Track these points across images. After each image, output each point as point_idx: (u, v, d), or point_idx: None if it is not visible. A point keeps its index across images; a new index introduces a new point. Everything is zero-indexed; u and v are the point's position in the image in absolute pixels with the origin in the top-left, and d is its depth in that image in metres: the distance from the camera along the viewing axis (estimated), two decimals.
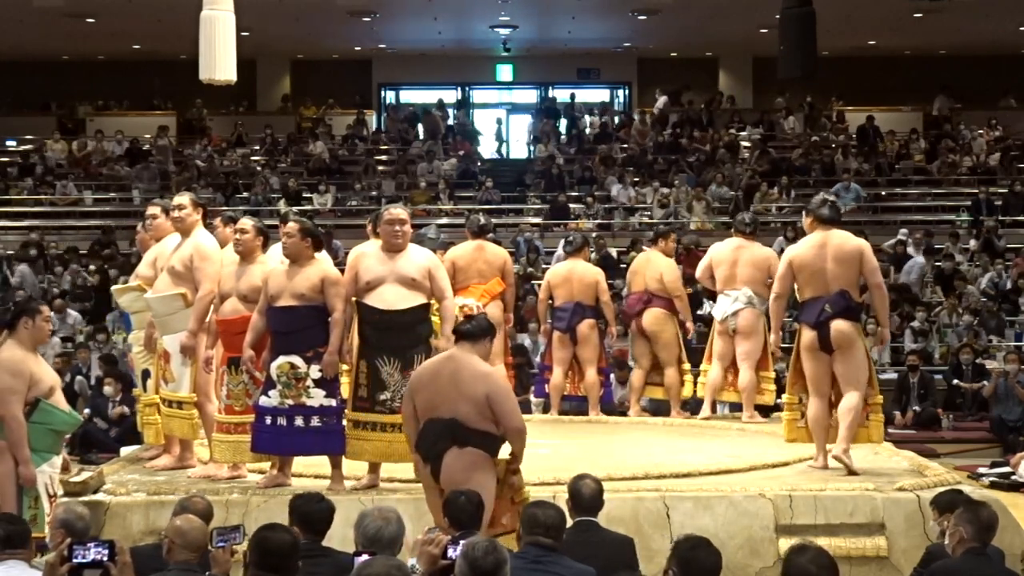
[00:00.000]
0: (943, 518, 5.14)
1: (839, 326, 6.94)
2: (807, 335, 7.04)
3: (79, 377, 12.66)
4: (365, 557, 4.02)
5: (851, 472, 6.82)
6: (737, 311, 8.83)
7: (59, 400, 6.00)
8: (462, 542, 3.97)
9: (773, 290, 7.37)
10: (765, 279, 8.73)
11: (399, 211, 6.63)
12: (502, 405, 5.45)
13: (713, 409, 9.33)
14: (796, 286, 7.17)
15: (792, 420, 7.30)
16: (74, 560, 3.79)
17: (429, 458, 5.53)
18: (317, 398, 6.42)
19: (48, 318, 6.17)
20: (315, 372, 6.41)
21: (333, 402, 6.46)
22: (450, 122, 24.00)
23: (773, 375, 9.14)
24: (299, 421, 6.43)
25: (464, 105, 25.26)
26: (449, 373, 5.52)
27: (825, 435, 7.07)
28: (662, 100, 23.52)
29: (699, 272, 9.08)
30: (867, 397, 7.08)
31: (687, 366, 9.29)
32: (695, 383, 9.33)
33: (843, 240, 7.12)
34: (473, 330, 5.62)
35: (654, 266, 9.32)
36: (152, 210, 7.61)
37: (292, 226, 6.56)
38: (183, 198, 7.20)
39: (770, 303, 7.53)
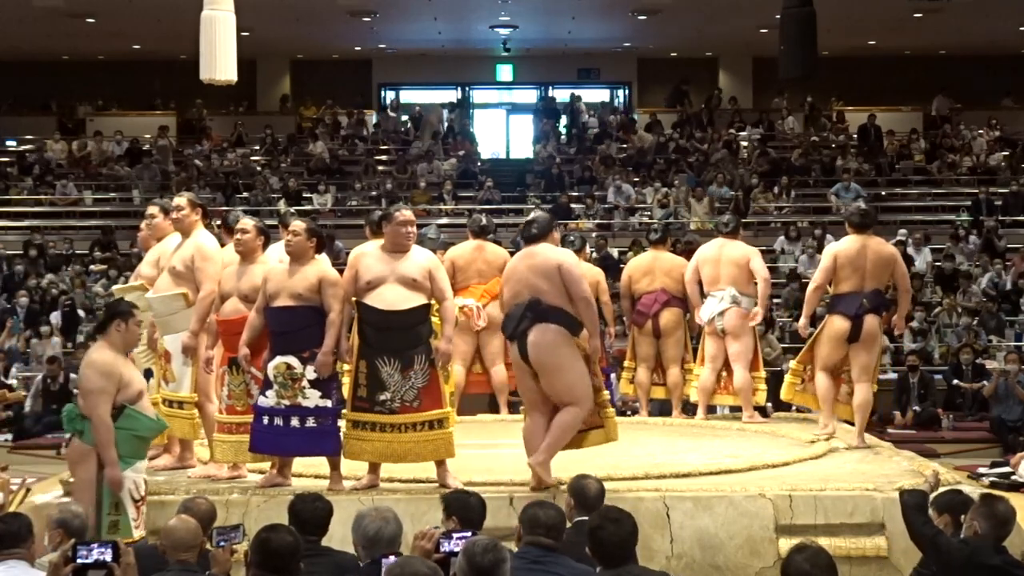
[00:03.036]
0: (942, 518, 5.15)
1: (871, 321, 7.83)
2: (841, 324, 7.86)
3: (73, 375, 12.65)
4: (393, 559, 4.00)
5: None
6: (723, 311, 8.84)
7: (145, 406, 5.93)
8: (455, 536, 3.99)
9: (814, 280, 8.18)
10: (747, 277, 8.80)
11: (409, 212, 6.63)
12: (571, 274, 6.24)
13: (711, 410, 9.33)
14: (833, 280, 8.01)
15: (792, 384, 8.26)
16: (78, 560, 3.79)
17: (515, 337, 6.28)
18: (312, 399, 6.42)
19: (140, 322, 6.09)
20: (311, 373, 6.40)
21: (329, 403, 6.45)
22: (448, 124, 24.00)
23: (764, 375, 9.14)
24: (295, 421, 6.43)
25: (464, 105, 25.23)
26: (527, 262, 6.35)
27: (832, 405, 8.06)
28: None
29: (688, 275, 9.07)
30: None
31: (691, 365, 9.27)
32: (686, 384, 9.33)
33: (881, 246, 8.04)
34: (538, 233, 6.42)
35: (668, 265, 9.29)
36: (151, 210, 7.63)
37: (299, 226, 6.56)
38: (181, 199, 7.21)
39: (808, 291, 8.24)
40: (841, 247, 7.99)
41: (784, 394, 8.37)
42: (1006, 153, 21.44)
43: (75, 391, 12.52)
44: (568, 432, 6.29)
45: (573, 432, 6.32)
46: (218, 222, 7.63)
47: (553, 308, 6.22)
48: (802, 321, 8.28)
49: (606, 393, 6.66)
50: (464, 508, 4.77)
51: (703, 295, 9.01)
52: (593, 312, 6.38)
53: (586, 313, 6.31)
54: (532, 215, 6.71)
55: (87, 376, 5.81)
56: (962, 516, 5.00)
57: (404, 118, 24.10)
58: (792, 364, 8.40)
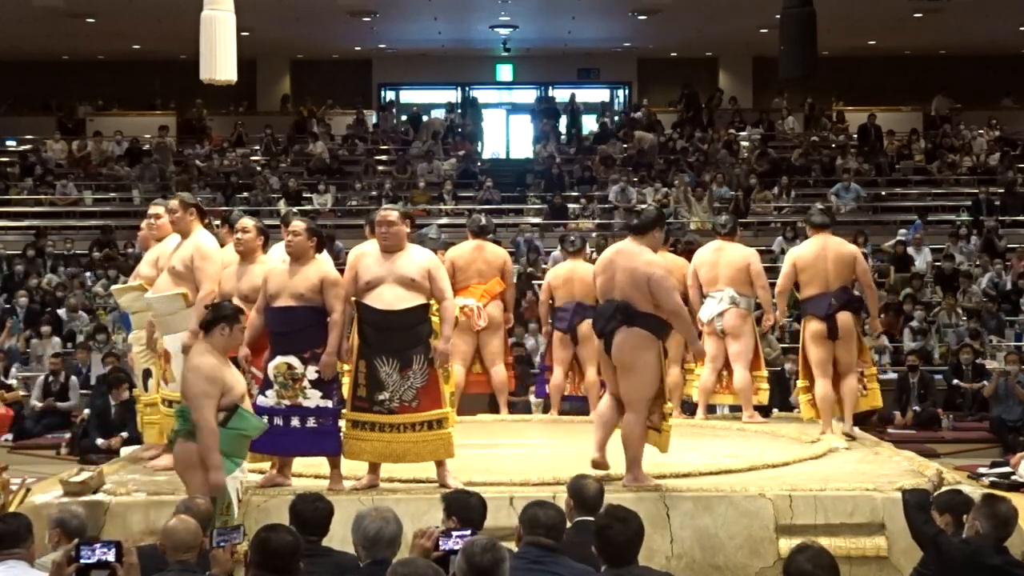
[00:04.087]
0: (943, 518, 5.15)
1: (844, 317, 8.14)
2: (817, 326, 8.17)
3: (72, 377, 12.63)
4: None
5: (852, 438, 8.05)
6: (722, 312, 8.84)
7: (248, 405, 5.94)
8: (454, 534, 3.99)
9: (777, 285, 8.52)
10: (746, 278, 8.81)
11: (388, 212, 6.62)
12: (659, 287, 6.37)
13: (710, 411, 9.32)
14: (797, 283, 8.32)
15: (808, 402, 8.44)
16: (81, 560, 3.80)
17: (603, 334, 6.51)
18: (313, 399, 6.42)
19: (244, 328, 6.04)
20: (312, 373, 6.40)
21: (329, 403, 6.45)
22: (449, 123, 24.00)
23: (766, 374, 9.14)
24: (295, 421, 6.43)
25: (466, 106, 25.21)
26: (620, 262, 6.48)
27: (832, 411, 8.26)
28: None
29: (689, 280, 9.07)
30: (863, 369, 8.35)
31: (692, 365, 9.27)
32: (686, 384, 9.34)
33: (840, 245, 8.34)
34: (640, 225, 6.56)
35: (668, 265, 9.21)
36: (155, 210, 7.64)
37: (299, 225, 6.56)
38: (174, 200, 7.24)
39: (775, 295, 8.64)
40: (800, 251, 8.37)
41: (804, 415, 8.61)
42: (1005, 151, 21.44)
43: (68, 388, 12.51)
44: (637, 440, 6.50)
45: (641, 437, 6.50)
46: (218, 222, 7.63)
47: (641, 313, 6.39)
48: (776, 314, 8.77)
49: (670, 405, 6.83)
50: (464, 508, 4.77)
51: (702, 297, 8.99)
52: (685, 322, 6.57)
53: (677, 323, 6.47)
54: (643, 207, 6.92)
55: (192, 381, 5.71)
56: (964, 516, 5.01)
57: (403, 117, 24.08)
58: (799, 384, 8.60)
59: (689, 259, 9.32)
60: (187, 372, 5.79)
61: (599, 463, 6.56)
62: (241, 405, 5.79)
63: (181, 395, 5.95)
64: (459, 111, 24.88)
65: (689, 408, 9.44)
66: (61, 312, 14.86)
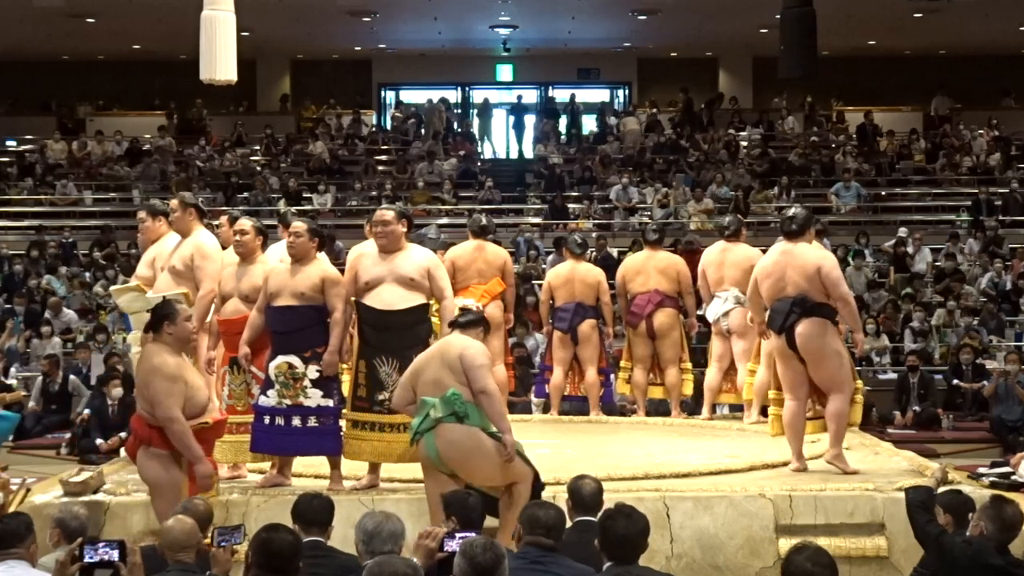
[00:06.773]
0: (945, 518, 5.15)
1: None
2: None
3: (72, 376, 12.61)
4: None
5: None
6: (727, 311, 8.84)
7: None
8: (458, 535, 3.99)
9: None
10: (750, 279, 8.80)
11: (383, 212, 6.63)
12: (830, 276, 6.77)
13: (712, 410, 9.33)
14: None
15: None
16: (85, 559, 3.80)
17: (782, 331, 6.80)
18: (314, 398, 6.42)
19: (484, 331, 6.20)
20: (312, 372, 6.40)
21: (330, 403, 6.45)
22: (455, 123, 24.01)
23: None
24: (296, 421, 6.43)
25: (465, 105, 25.22)
26: (788, 260, 6.88)
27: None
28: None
29: (699, 279, 9.07)
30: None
31: (688, 365, 9.27)
32: (694, 383, 9.36)
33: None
34: (797, 229, 6.93)
35: (663, 264, 9.24)
36: (140, 215, 7.74)
37: (300, 226, 6.56)
38: (173, 200, 7.26)
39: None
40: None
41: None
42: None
43: (70, 389, 12.45)
44: (842, 418, 6.86)
45: (846, 417, 6.88)
46: (217, 222, 7.63)
47: (818, 304, 6.77)
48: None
49: (860, 382, 7.20)
50: (463, 508, 4.77)
51: (710, 296, 9.01)
52: (853, 310, 6.91)
53: (845, 311, 6.81)
54: (791, 211, 7.16)
55: (475, 355, 5.81)
56: (969, 515, 5.02)
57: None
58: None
59: (689, 259, 9.33)
60: (467, 349, 5.84)
61: (801, 471, 6.88)
62: None
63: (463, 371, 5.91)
64: (458, 110, 24.86)
65: (687, 407, 9.45)
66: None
